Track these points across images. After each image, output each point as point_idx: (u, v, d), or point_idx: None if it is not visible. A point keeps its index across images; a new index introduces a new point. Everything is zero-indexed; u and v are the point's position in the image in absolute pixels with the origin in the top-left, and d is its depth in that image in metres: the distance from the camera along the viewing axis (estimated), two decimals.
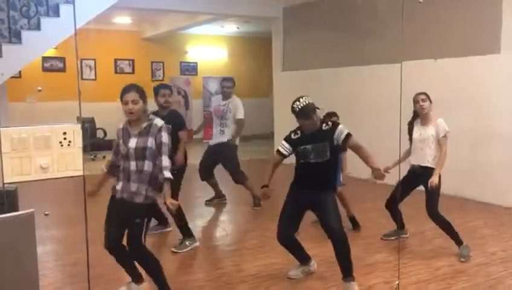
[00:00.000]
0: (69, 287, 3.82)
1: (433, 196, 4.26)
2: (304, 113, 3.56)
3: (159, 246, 4.78)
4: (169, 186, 3.15)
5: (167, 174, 3.13)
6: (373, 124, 7.54)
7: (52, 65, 11.37)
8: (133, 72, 12.54)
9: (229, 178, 6.25)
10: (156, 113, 4.77)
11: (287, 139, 3.77)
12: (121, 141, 3.27)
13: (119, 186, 3.27)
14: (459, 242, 4.32)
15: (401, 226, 4.74)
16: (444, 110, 6.54)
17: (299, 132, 3.72)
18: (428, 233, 4.70)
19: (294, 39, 9.62)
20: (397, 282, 2.80)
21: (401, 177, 4.30)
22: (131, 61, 12.55)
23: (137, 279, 3.57)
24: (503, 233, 5.09)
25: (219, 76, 12.94)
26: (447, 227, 4.31)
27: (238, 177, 6.13)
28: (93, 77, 11.85)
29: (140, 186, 3.20)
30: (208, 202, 6.47)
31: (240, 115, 6.07)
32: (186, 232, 4.71)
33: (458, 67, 6.60)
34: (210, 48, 13.58)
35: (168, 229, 5.13)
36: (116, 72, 12.37)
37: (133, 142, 3.20)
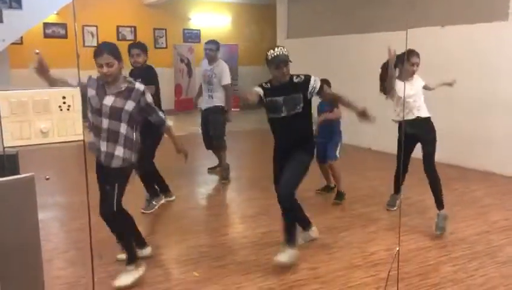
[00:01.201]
0: (73, 251, 3.88)
1: (430, 149, 4.25)
2: (274, 62, 3.49)
3: (166, 217, 4.83)
4: (173, 133, 3.45)
5: (168, 122, 3.40)
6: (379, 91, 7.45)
7: (54, 32, 11.23)
8: (135, 39, 12.37)
9: (233, 146, 6.22)
10: (131, 73, 4.62)
11: (260, 86, 3.66)
12: (94, 93, 3.14)
13: (93, 143, 3.19)
14: (440, 205, 4.21)
15: (398, 190, 4.74)
16: (450, 77, 6.47)
17: (269, 84, 3.64)
18: (428, 201, 4.70)
19: (299, 6, 9.43)
20: (397, 249, 2.83)
21: (399, 143, 4.24)
22: (133, 28, 12.38)
23: (140, 244, 3.62)
24: (505, 202, 5.10)
25: (222, 44, 12.81)
26: (436, 185, 4.23)
27: (219, 143, 6.06)
28: (95, 44, 11.72)
29: (114, 146, 3.12)
30: (210, 170, 6.48)
31: (226, 80, 5.88)
32: (152, 192, 4.85)
33: (465, 34, 6.47)
34: (213, 15, 13.36)
35: (171, 198, 5.13)
36: (118, 39, 12.22)
37: (109, 100, 3.10)
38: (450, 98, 6.50)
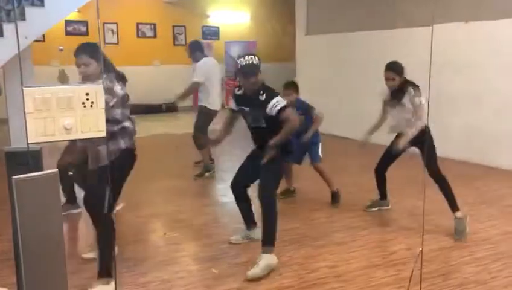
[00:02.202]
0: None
1: (431, 154, 4.06)
2: (241, 72, 3.46)
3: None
4: None
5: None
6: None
7: (75, 29, 11.38)
8: (154, 36, 12.48)
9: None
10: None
11: (232, 93, 3.71)
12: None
13: None
14: (455, 208, 4.07)
15: (383, 196, 4.69)
16: (473, 74, 6.35)
17: (242, 89, 3.60)
18: None
19: (319, 1, 9.36)
20: (420, 249, 2.78)
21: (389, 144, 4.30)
22: (152, 26, 12.47)
23: None
24: None
25: (241, 40, 12.79)
26: (446, 189, 4.07)
27: (199, 141, 6.03)
28: (116, 41, 11.84)
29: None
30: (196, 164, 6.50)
31: (195, 77, 6.03)
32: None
33: (489, 30, 6.34)
34: (232, 12, 13.36)
35: (77, 210, 4.55)
36: (138, 36, 12.33)
37: None
38: (475, 96, 6.39)
